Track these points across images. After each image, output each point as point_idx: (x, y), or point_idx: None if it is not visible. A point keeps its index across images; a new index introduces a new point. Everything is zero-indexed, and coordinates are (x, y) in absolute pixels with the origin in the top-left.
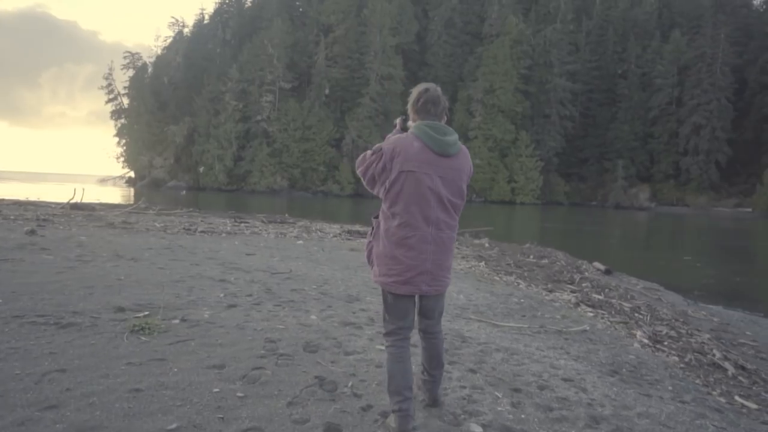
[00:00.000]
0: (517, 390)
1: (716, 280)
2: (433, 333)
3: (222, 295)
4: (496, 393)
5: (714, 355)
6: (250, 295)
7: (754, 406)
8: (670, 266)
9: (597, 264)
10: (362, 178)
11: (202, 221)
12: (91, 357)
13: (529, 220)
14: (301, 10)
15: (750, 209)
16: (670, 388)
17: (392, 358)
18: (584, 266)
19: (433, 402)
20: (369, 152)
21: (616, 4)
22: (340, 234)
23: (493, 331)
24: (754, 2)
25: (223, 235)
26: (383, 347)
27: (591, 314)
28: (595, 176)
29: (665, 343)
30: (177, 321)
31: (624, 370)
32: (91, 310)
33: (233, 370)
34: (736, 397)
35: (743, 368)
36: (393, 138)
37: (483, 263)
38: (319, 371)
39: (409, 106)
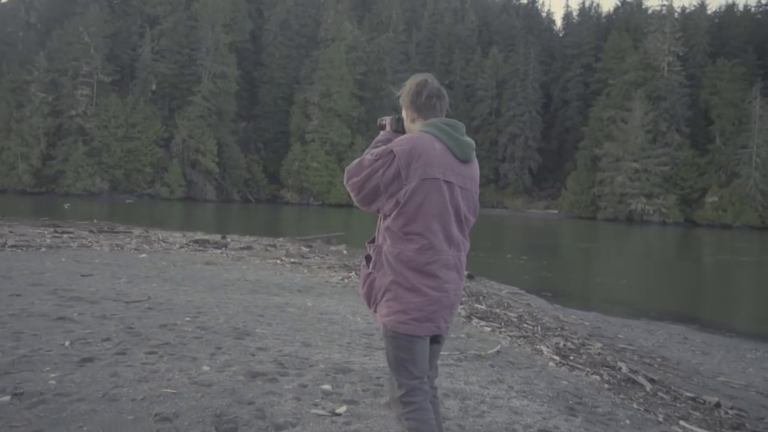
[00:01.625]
0: None
1: (533, 276)
2: (434, 389)
3: (67, 342)
4: None
5: (621, 369)
6: (108, 340)
7: None
8: (498, 264)
9: None
10: (355, 192)
11: (11, 232)
12: None
13: (369, 223)
14: None
15: (556, 211)
16: (628, 422)
17: (424, 427)
18: None
19: None
20: (369, 157)
21: (442, 19)
22: (187, 244)
23: None
24: (555, 27)
25: (43, 249)
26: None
27: (488, 329)
28: None
29: (571, 357)
30: (7, 397)
31: (571, 402)
32: None
33: None
34: (683, 423)
35: (654, 381)
36: (406, 138)
37: (354, 273)
38: None
39: (407, 103)
